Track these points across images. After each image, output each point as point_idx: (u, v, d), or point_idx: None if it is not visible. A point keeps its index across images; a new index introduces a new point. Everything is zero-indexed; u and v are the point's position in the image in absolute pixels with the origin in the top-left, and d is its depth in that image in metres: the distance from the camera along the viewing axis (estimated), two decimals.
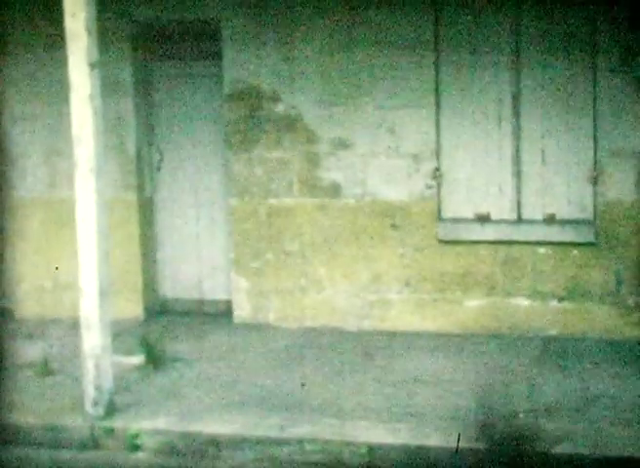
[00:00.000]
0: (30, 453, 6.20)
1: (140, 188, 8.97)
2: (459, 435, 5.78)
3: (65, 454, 6.19)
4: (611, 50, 7.82)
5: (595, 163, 8.00)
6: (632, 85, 7.82)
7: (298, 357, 7.71)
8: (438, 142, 8.28)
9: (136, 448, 6.18)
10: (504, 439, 5.82)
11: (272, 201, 8.59)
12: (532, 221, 8.18)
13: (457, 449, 5.69)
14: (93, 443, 6.25)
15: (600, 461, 5.61)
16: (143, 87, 9.00)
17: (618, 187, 7.91)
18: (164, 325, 8.74)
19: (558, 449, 5.70)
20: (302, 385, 6.88)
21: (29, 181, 8.96)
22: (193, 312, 9.10)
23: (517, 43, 8.10)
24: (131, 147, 8.87)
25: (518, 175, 8.19)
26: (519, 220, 8.22)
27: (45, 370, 7.32)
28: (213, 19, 8.64)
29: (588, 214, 8.08)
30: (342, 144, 8.42)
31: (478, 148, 8.25)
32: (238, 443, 6.04)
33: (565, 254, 8.06)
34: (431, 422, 6.14)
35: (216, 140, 8.95)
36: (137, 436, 6.19)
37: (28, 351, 7.89)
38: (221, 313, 8.97)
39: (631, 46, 7.78)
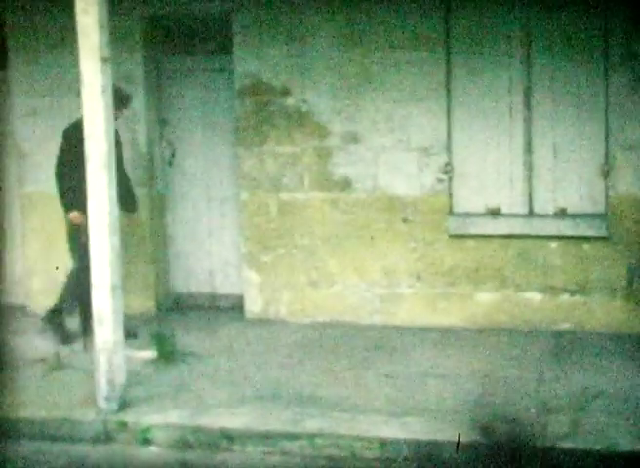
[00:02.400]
0: (43, 447, 6.22)
1: (152, 183, 8.99)
2: (459, 435, 5.77)
3: (78, 448, 6.20)
4: (622, 43, 7.79)
5: (607, 156, 7.98)
6: None
7: (309, 351, 7.71)
8: (449, 136, 8.27)
9: (147, 441, 6.20)
10: (512, 433, 5.82)
11: (283, 195, 8.59)
12: (543, 215, 8.16)
13: (457, 448, 5.69)
14: (105, 436, 6.27)
15: (608, 456, 5.60)
16: (155, 82, 9.01)
17: (629, 181, 7.89)
18: (176, 319, 8.75)
19: (566, 444, 5.69)
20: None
21: (40, 176, 8.95)
22: (205, 307, 9.12)
23: (528, 37, 8.08)
24: (142, 142, 8.88)
25: (529, 168, 8.18)
26: (530, 214, 8.20)
27: (57, 364, 7.34)
28: (224, 13, 8.64)
29: (600, 208, 8.06)
30: (353, 139, 8.41)
31: (489, 142, 8.24)
32: (250, 437, 6.05)
33: (577, 248, 8.04)
34: (443, 417, 6.14)
35: (227, 135, 8.95)
36: (148, 430, 6.20)
37: (40, 346, 7.92)
38: (233, 307, 8.98)
39: None
